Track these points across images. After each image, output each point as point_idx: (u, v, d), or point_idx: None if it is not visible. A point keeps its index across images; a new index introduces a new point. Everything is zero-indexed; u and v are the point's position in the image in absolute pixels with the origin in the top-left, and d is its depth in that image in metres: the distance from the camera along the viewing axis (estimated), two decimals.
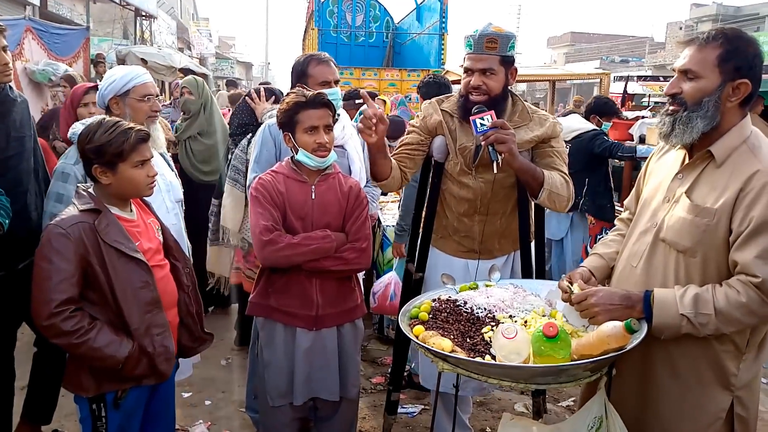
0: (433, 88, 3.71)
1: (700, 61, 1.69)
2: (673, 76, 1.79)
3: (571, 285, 1.87)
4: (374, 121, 2.22)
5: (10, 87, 2.55)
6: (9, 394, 2.60)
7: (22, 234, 2.42)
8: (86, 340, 1.89)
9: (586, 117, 5.36)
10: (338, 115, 2.86)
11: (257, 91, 3.64)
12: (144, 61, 11.81)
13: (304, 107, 2.28)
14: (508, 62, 2.41)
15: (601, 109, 5.44)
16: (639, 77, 15.81)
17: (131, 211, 2.12)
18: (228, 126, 3.72)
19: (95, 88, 3.30)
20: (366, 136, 2.25)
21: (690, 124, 1.70)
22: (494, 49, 2.36)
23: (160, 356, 2.04)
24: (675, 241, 1.74)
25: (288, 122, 2.32)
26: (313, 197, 2.33)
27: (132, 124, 2.08)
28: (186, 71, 14.75)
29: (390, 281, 3.71)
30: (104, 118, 2.08)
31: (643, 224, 1.87)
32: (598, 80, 9.58)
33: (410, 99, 8.98)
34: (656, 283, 1.77)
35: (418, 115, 2.64)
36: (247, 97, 3.66)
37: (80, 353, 1.92)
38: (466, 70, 2.43)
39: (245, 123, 3.62)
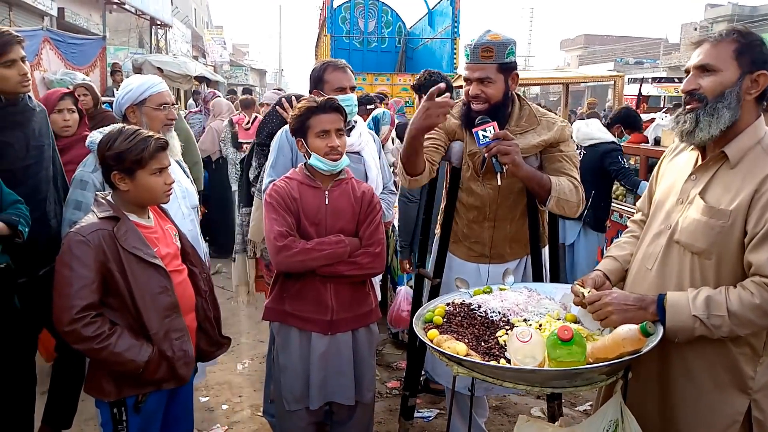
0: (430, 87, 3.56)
1: (717, 55, 1.69)
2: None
3: (584, 288, 1.87)
4: (446, 106, 2.17)
5: (29, 97, 2.60)
6: (30, 399, 2.64)
7: (42, 241, 2.46)
8: (107, 345, 1.92)
9: (610, 125, 5.30)
10: (354, 121, 2.88)
11: (288, 99, 3.39)
12: (160, 70, 11.95)
13: (315, 112, 2.31)
14: (507, 69, 2.40)
15: (626, 120, 5.39)
16: (653, 79, 15.69)
17: (149, 217, 2.16)
18: (256, 135, 3.55)
19: (70, 94, 3.35)
20: (435, 117, 2.17)
21: (716, 115, 1.67)
22: (490, 57, 2.36)
23: (180, 360, 2.07)
24: (689, 243, 1.73)
25: (300, 128, 2.35)
26: (327, 202, 2.35)
27: (151, 133, 2.12)
28: (201, 79, 14.92)
29: (400, 296, 3.77)
30: (124, 126, 2.12)
31: (657, 226, 1.86)
32: (612, 82, 9.51)
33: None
34: (671, 286, 1.76)
35: None
36: (278, 106, 3.44)
37: (101, 358, 1.95)
38: (465, 80, 2.44)
39: (276, 132, 3.28)
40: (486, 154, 2.25)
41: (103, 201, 2.06)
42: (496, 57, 2.36)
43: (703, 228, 1.70)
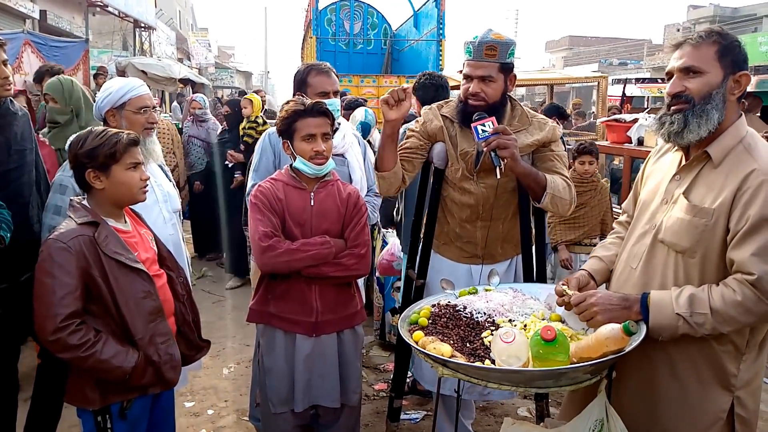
0: (431, 90, 3.53)
1: (700, 57, 1.71)
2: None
3: (568, 289, 1.88)
4: (401, 95, 2.21)
5: (11, 101, 2.57)
6: (12, 407, 2.60)
7: (24, 245, 2.43)
8: (93, 353, 1.89)
9: None
10: (338, 124, 2.87)
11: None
12: (144, 73, 11.87)
13: (302, 115, 2.30)
14: (507, 69, 2.42)
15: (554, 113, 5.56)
16: (637, 80, 15.81)
17: (126, 222, 2.13)
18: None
19: (23, 92, 3.30)
20: (386, 108, 2.24)
21: (704, 116, 1.69)
22: (493, 56, 2.37)
23: (166, 364, 2.05)
24: (673, 242, 1.74)
25: (286, 130, 2.33)
26: (312, 204, 2.34)
27: (121, 130, 2.10)
28: (186, 81, 14.83)
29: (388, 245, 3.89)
30: (92, 128, 2.09)
31: (642, 226, 1.88)
32: (596, 83, 9.58)
33: None
34: (655, 285, 1.77)
35: (417, 120, 2.64)
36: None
37: (87, 366, 1.92)
38: (466, 77, 2.44)
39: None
40: (485, 149, 2.25)
41: (79, 206, 2.02)
42: (500, 56, 2.37)
43: (687, 226, 1.71)
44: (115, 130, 2.06)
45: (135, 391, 2.03)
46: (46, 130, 3.56)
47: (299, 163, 2.33)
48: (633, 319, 1.68)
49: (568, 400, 2.12)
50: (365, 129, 4.39)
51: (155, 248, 2.22)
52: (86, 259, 1.91)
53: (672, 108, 1.75)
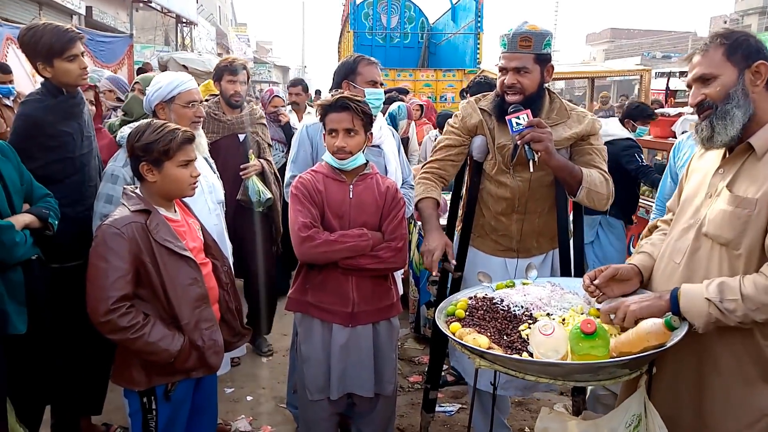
0: (484, 88, 3.65)
1: (710, 63, 1.72)
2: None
3: (596, 303, 1.91)
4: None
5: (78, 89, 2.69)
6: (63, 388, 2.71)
7: (90, 227, 2.54)
8: (141, 335, 1.97)
9: (621, 122, 5.25)
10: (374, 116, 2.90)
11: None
12: (185, 67, 12.08)
13: (328, 110, 2.34)
14: (543, 60, 2.40)
15: (632, 113, 5.31)
16: (681, 73, 15.39)
17: (175, 211, 2.21)
18: None
19: (92, 87, 3.41)
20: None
21: (728, 117, 1.69)
22: (528, 47, 2.35)
23: (210, 349, 2.12)
24: (717, 234, 1.72)
25: (322, 123, 2.38)
26: (351, 196, 2.37)
27: (179, 126, 2.17)
28: None
29: None
30: (152, 120, 2.17)
31: (686, 221, 1.85)
32: (639, 77, 9.37)
33: (445, 99, 8.97)
34: (698, 279, 1.75)
35: (456, 115, 2.65)
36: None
37: (136, 348, 2.00)
38: (501, 69, 2.43)
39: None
40: (519, 142, 2.25)
41: (133, 194, 2.11)
42: (534, 47, 2.35)
43: (730, 217, 1.69)
44: (173, 126, 2.14)
45: (179, 374, 2.10)
46: (115, 120, 3.73)
47: (326, 156, 2.38)
48: (664, 309, 1.67)
49: (622, 395, 2.10)
50: (392, 119, 4.42)
51: (202, 237, 2.29)
52: (138, 245, 1.99)
53: (701, 116, 1.77)
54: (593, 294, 1.93)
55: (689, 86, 1.80)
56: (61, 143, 2.53)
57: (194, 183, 2.19)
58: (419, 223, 4.31)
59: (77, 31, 2.57)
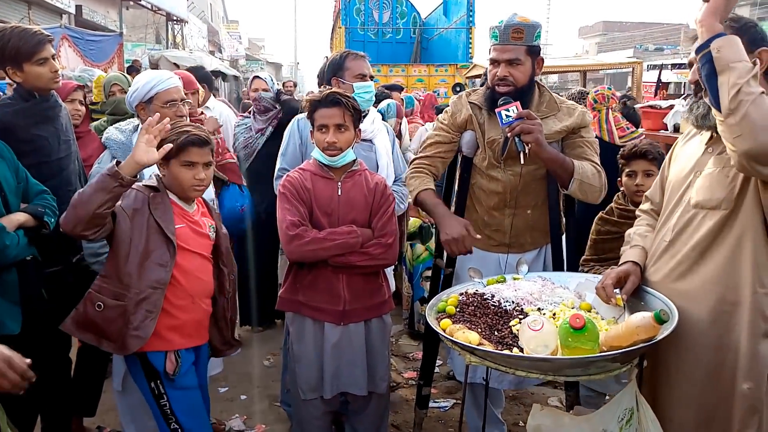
0: None
1: None
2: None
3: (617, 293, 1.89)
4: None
5: (53, 93, 2.66)
6: (65, 388, 2.71)
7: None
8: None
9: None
10: (367, 110, 2.88)
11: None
12: (176, 65, 12.05)
13: (317, 105, 2.32)
14: (534, 52, 2.39)
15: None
16: (673, 65, 15.43)
17: (191, 205, 2.26)
18: None
19: (81, 87, 3.38)
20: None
21: None
22: (520, 39, 2.34)
23: (135, 330, 2.07)
24: (707, 198, 1.73)
25: (310, 120, 2.36)
26: (339, 194, 2.36)
27: (191, 127, 2.20)
28: (217, 74, 15.02)
29: None
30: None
31: (673, 205, 1.87)
32: (631, 69, 9.38)
33: (438, 94, 8.95)
34: (687, 251, 1.76)
35: (447, 111, 2.63)
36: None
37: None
38: (492, 62, 2.42)
39: None
40: (509, 134, 2.24)
41: (154, 176, 2.20)
42: (526, 39, 2.35)
43: (718, 176, 1.72)
44: (188, 125, 2.19)
45: (100, 336, 2.10)
46: (101, 121, 3.64)
47: (315, 153, 2.36)
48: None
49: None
50: (381, 117, 4.39)
51: (213, 239, 2.31)
52: (138, 203, 2.09)
53: (698, 95, 1.77)
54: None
55: (690, 64, 1.78)
56: (36, 147, 2.50)
57: (197, 185, 2.19)
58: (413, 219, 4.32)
59: (46, 33, 2.53)
